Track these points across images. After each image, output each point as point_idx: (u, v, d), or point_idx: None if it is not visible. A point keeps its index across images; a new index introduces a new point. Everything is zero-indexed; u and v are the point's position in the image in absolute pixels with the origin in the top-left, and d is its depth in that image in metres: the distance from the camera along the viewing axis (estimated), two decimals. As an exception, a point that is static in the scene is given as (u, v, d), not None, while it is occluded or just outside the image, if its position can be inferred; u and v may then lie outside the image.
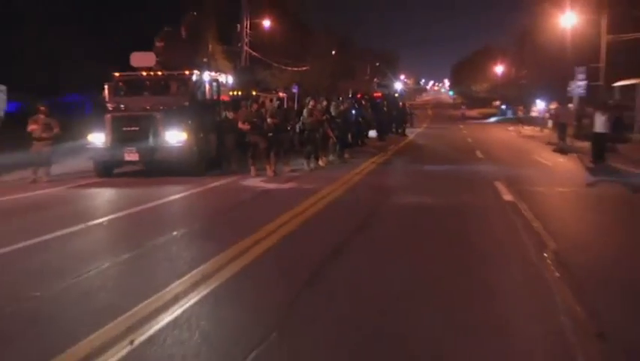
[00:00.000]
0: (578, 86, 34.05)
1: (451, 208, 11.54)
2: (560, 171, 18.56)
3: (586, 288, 6.23)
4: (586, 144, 23.36)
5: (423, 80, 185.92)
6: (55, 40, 27.48)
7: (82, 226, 9.78)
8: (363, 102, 32.15)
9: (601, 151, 19.93)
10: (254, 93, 24.50)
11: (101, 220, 10.48)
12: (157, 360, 4.52)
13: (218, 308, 5.73)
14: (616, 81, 31.86)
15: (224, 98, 20.11)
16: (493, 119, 68.41)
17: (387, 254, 8.03)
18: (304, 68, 51.32)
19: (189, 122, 16.25)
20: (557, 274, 6.71)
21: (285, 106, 24.85)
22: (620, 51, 33.71)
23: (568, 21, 37.67)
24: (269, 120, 17.38)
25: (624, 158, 20.81)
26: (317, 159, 19.14)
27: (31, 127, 15.35)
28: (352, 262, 7.60)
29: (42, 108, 15.64)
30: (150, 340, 4.86)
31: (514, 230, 9.31)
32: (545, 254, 7.61)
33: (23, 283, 6.61)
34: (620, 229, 10.04)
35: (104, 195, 13.55)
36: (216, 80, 19.30)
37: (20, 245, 8.27)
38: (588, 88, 34.07)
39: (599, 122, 20.81)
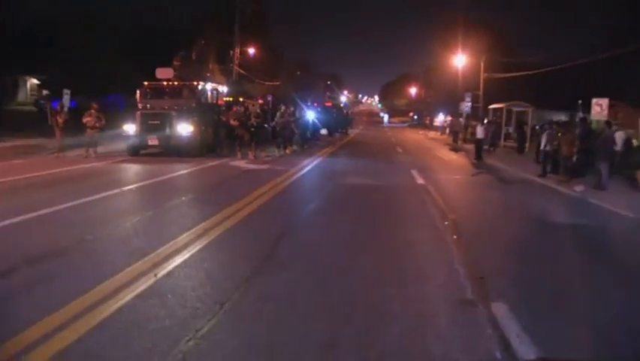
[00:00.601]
0: (466, 106, 34.74)
1: (381, 187, 11.58)
2: (454, 164, 18.81)
3: (473, 246, 6.37)
4: (471, 146, 23.78)
5: (360, 95, 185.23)
6: (104, 58, 27.89)
7: (118, 190, 9.65)
8: (319, 109, 32.07)
9: (480, 152, 20.35)
10: (241, 100, 24.18)
11: (131, 186, 10.30)
12: (175, 289, 4.46)
13: (216, 253, 5.68)
14: (490, 104, 32.71)
15: (221, 102, 19.84)
16: (405, 125, 69.15)
17: (335, 217, 8.07)
18: (277, 83, 50.82)
19: (195, 118, 16.19)
20: (455, 236, 6.83)
21: (263, 109, 24.57)
22: (492, 84, 34.72)
23: (459, 61, 38.86)
24: (253, 120, 17.33)
25: (496, 157, 21.29)
26: (285, 148, 19.08)
27: (86, 119, 15.39)
28: (312, 221, 7.63)
29: (94, 105, 15.71)
30: (169, 274, 4.85)
31: (425, 205, 9.39)
32: (446, 222, 7.72)
33: (79, 229, 6.48)
34: (494, 206, 10.27)
35: (133, 169, 13.27)
36: (216, 90, 19.09)
37: (77, 202, 8.17)
38: (472, 108, 34.91)
39: (479, 131, 21.35)
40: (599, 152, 12.91)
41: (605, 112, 16.03)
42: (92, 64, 27.86)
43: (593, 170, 13.09)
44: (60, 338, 3.47)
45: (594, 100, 16.30)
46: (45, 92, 34.29)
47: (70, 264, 5.11)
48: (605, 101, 16.03)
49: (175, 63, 17.52)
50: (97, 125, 15.36)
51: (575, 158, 13.97)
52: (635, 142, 16.36)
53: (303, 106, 26.95)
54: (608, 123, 14.05)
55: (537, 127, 21.49)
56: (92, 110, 15.44)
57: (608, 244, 7.19)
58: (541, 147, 15.54)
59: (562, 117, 30.31)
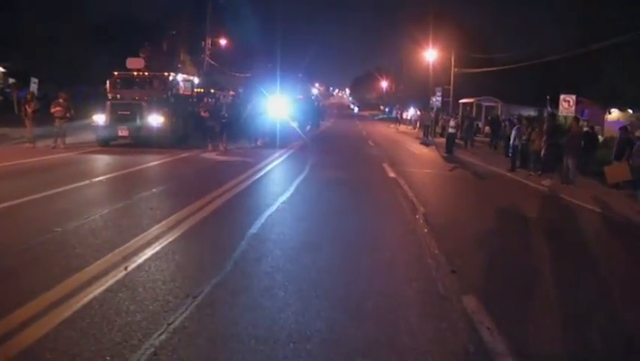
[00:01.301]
0: (437, 100, 35.05)
1: (352, 180, 11.65)
2: (425, 158, 18.99)
3: (444, 239, 6.44)
4: (441, 140, 24.04)
5: (331, 88, 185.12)
6: (74, 47, 27.42)
7: (87, 181, 9.47)
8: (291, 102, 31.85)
9: (451, 146, 20.62)
10: (212, 91, 23.98)
11: (101, 178, 10.09)
12: (145, 283, 4.41)
13: (187, 245, 5.64)
14: (460, 99, 33.20)
15: (193, 94, 19.59)
16: (376, 118, 69.53)
17: (306, 210, 8.06)
18: (248, 75, 50.43)
19: (166, 109, 16.01)
20: (425, 230, 6.92)
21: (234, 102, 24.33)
22: (463, 79, 35.18)
23: (430, 56, 39.09)
24: (224, 111, 17.22)
25: (467, 152, 21.59)
26: (256, 140, 18.93)
27: (55, 109, 15.05)
28: (283, 214, 7.54)
29: (63, 95, 15.45)
30: (139, 267, 4.79)
31: (396, 198, 9.46)
32: (417, 215, 7.82)
33: (48, 221, 6.34)
34: (465, 199, 10.48)
35: (103, 160, 13.03)
36: (190, 81, 18.87)
37: (45, 193, 8.01)
38: (443, 102, 35.27)
39: (452, 126, 21.62)
40: (567, 147, 13.28)
41: (573, 108, 16.51)
42: (61, 53, 27.38)
43: (562, 165, 13.46)
44: (26, 335, 3.38)
45: (562, 96, 16.75)
46: (11, 80, 33.38)
47: (37, 257, 4.98)
48: (572, 98, 16.50)
49: (141, 55, 17.23)
50: (66, 115, 15.07)
51: (542, 153, 14.35)
52: (600, 138, 16.89)
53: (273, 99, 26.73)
54: (576, 119, 14.45)
55: (506, 122, 21.92)
56: (61, 100, 15.15)
57: (576, 237, 7.42)
58: (511, 141, 15.89)
59: (530, 112, 31.03)
